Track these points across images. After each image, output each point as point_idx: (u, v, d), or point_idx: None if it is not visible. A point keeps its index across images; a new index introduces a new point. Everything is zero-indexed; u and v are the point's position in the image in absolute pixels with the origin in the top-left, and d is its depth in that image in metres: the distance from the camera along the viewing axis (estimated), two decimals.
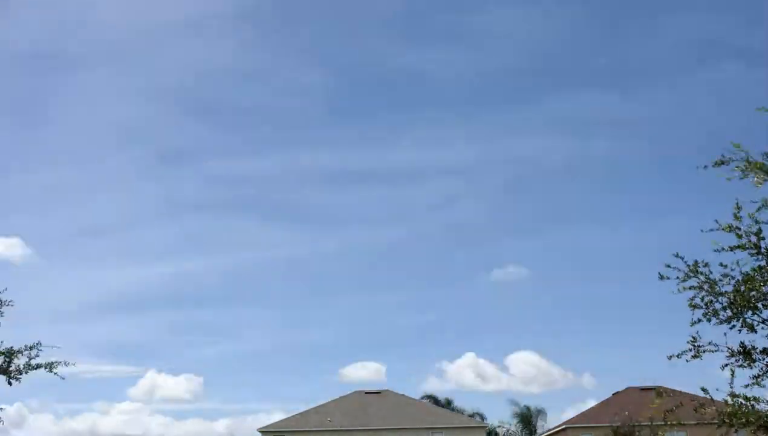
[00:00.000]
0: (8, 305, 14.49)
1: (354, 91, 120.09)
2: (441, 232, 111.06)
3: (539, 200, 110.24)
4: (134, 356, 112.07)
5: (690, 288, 11.76)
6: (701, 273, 11.70)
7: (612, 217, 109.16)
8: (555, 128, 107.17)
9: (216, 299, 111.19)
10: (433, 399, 68.96)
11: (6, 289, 14.41)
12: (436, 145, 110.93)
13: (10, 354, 14.37)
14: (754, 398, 11.31)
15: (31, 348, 14.51)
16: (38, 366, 14.49)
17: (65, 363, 14.70)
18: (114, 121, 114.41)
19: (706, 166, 11.37)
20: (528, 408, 66.78)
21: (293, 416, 56.00)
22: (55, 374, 14.60)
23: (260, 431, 54.09)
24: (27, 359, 14.45)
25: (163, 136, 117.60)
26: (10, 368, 14.32)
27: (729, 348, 11.74)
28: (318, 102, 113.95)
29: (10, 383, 14.45)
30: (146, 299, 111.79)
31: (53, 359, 14.63)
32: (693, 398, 12.46)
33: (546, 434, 59.70)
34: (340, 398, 58.87)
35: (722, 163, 11.20)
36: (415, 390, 70.75)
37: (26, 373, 14.48)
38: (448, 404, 68.00)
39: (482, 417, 65.46)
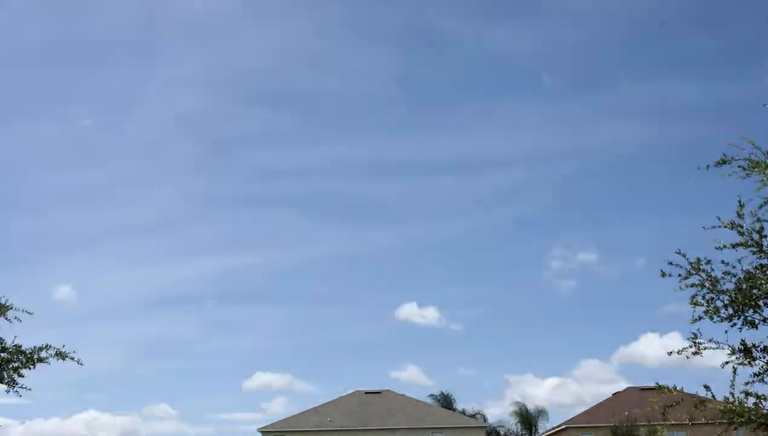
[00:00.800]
0: (18, 312, 14.50)
1: (422, 75, 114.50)
2: (507, 224, 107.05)
3: (611, 189, 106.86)
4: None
5: (691, 286, 11.80)
6: (703, 271, 11.74)
7: (690, 205, 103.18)
8: (633, 113, 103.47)
9: (261, 297, 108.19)
10: (439, 398, 68.91)
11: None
12: (507, 133, 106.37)
13: (19, 354, 14.40)
14: (758, 396, 11.35)
15: (40, 350, 14.56)
16: (43, 358, 14.53)
17: (73, 357, 14.77)
18: (173, 113, 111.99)
19: (708, 167, 11.42)
20: (527, 408, 66.77)
21: (293, 416, 56.04)
22: (73, 359, 14.70)
23: (260, 431, 54.11)
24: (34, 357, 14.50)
25: (219, 125, 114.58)
26: (15, 365, 14.37)
27: (729, 346, 11.77)
28: (382, 87, 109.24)
29: (13, 381, 14.46)
30: (190, 296, 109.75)
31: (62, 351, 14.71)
32: (693, 396, 12.49)
33: (546, 434, 59.74)
34: (340, 398, 58.91)
35: (724, 162, 11.24)
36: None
37: (33, 367, 14.53)
38: (447, 403, 67.91)
39: (484, 417, 65.48)
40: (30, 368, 14.59)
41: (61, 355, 14.66)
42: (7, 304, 14.39)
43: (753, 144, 11.08)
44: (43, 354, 14.57)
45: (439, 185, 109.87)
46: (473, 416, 64.86)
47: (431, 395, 68.61)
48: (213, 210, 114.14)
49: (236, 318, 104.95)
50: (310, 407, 57.23)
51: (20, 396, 14.47)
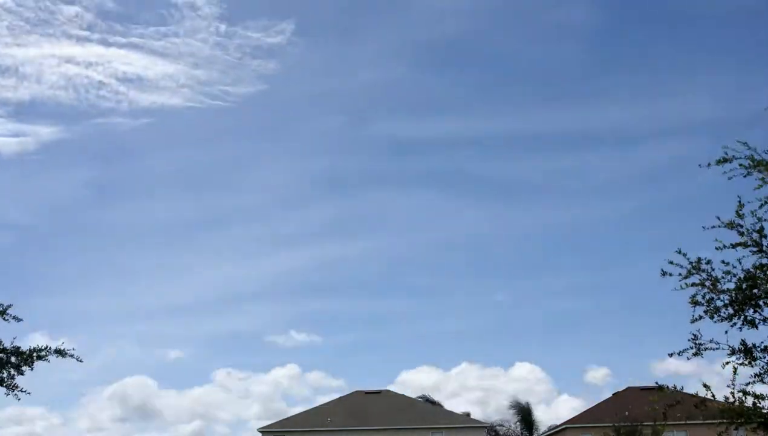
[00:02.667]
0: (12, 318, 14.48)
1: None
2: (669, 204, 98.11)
3: None
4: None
5: (691, 285, 11.79)
6: (703, 270, 11.72)
7: None
8: None
9: (373, 288, 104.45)
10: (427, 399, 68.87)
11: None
12: (674, 100, 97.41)
13: (17, 354, 14.40)
14: (756, 395, 11.33)
15: (39, 350, 14.57)
16: (44, 355, 14.53)
17: (72, 354, 14.79)
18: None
19: (709, 164, 11.42)
20: (528, 406, 66.65)
21: (293, 416, 56.03)
22: (72, 356, 14.73)
23: (260, 431, 54.08)
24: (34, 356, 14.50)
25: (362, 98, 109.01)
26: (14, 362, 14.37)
27: (730, 346, 11.75)
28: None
29: (13, 383, 14.43)
30: (293, 287, 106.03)
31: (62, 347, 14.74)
32: (693, 396, 12.48)
33: (546, 434, 59.71)
34: (340, 398, 58.91)
35: (725, 160, 11.24)
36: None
37: (32, 367, 14.53)
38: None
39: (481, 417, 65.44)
40: (30, 367, 14.60)
41: (60, 353, 14.68)
42: (6, 305, 14.44)
43: (747, 146, 11.08)
44: (42, 353, 14.59)
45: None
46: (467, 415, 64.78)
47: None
48: (337, 190, 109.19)
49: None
50: (310, 407, 57.29)
51: (19, 399, 14.45)
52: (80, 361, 14.88)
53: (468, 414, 64.24)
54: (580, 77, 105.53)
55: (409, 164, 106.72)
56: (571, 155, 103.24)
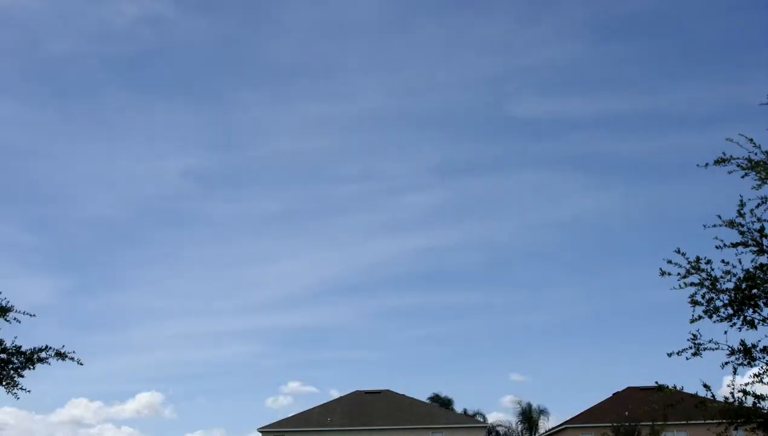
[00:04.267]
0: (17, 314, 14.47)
1: None
2: None
3: None
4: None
5: (691, 285, 11.77)
6: (702, 270, 11.71)
7: None
8: None
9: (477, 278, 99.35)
10: (435, 399, 68.92)
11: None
12: None
13: (18, 354, 14.39)
14: (756, 396, 11.33)
15: (40, 351, 14.55)
16: (45, 357, 14.51)
17: (72, 357, 14.77)
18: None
19: (707, 165, 11.41)
20: (530, 406, 66.72)
21: (293, 415, 56.02)
22: (73, 359, 14.71)
23: (260, 431, 54.06)
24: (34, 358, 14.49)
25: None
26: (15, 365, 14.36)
27: (729, 347, 11.75)
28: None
29: (13, 383, 14.42)
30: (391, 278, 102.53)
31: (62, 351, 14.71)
32: (693, 395, 12.48)
33: (546, 433, 59.70)
34: (340, 397, 58.89)
35: (723, 161, 11.23)
36: None
37: (32, 368, 14.52)
38: (447, 405, 67.94)
39: (483, 417, 65.46)
40: (30, 369, 14.58)
41: (60, 355, 14.65)
42: (8, 306, 14.40)
43: (752, 142, 11.07)
44: (42, 355, 14.57)
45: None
46: (473, 415, 64.85)
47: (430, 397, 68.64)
48: (452, 175, 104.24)
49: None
50: (310, 407, 57.27)
51: (18, 399, 14.43)
52: (81, 364, 14.84)
53: (473, 415, 64.34)
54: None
55: (534, 146, 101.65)
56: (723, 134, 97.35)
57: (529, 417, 65.92)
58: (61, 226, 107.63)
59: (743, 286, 11.38)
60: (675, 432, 45.52)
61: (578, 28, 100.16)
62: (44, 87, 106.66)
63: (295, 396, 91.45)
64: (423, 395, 67.60)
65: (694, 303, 11.74)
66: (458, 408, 68.91)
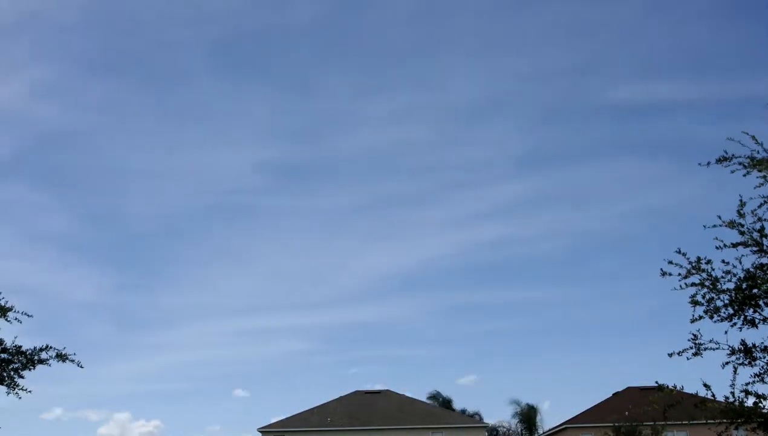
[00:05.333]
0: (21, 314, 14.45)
1: None
2: None
3: None
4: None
5: (691, 285, 11.75)
6: (703, 270, 11.69)
7: None
8: None
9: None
10: (433, 399, 68.89)
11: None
12: None
13: (19, 355, 14.37)
14: (757, 395, 11.31)
15: (40, 351, 14.53)
16: (45, 359, 14.49)
17: (73, 359, 14.74)
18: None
19: (708, 163, 11.38)
20: (528, 407, 66.69)
21: (293, 415, 55.95)
22: (73, 361, 14.70)
23: (260, 431, 54.02)
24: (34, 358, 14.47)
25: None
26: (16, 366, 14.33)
27: (730, 346, 11.72)
28: None
29: (14, 383, 14.38)
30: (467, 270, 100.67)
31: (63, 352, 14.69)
32: (693, 395, 12.45)
33: (546, 433, 59.67)
34: (340, 397, 58.85)
35: (724, 159, 11.20)
36: None
37: (33, 368, 14.50)
38: (447, 405, 67.90)
39: (480, 417, 65.43)
40: (30, 369, 14.56)
41: (61, 357, 14.62)
42: (8, 305, 14.37)
43: (755, 139, 11.04)
44: (43, 355, 14.54)
45: None
46: (472, 415, 64.82)
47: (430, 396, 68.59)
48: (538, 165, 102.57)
49: None
50: (310, 407, 57.21)
51: (20, 398, 14.39)
52: (81, 366, 14.78)
53: (473, 415, 64.31)
54: None
55: (626, 133, 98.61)
56: None
57: (528, 417, 65.89)
58: (123, 219, 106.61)
59: (744, 286, 11.36)
60: (675, 432, 45.50)
61: (672, 10, 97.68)
62: (128, 71, 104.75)
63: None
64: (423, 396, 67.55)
65: (695, 303, 11.73)
66: (457, 408, 68.89)
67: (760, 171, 10.90)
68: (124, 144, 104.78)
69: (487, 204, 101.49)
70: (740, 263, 11.41)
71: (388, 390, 60.10)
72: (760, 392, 11.40)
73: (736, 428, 11.99)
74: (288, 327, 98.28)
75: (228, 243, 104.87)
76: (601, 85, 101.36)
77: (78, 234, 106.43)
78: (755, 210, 11.13)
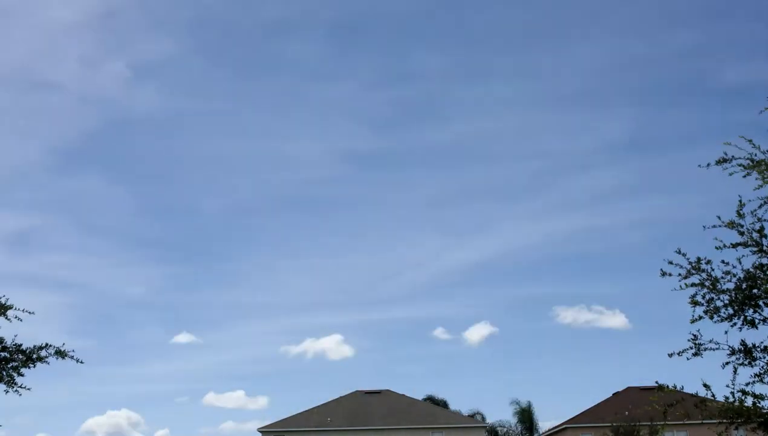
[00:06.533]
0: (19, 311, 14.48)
1: None
2: None
3: None
4: None
5: (691, 285, 11.78)
6: (703, 270, 11.71)
7: None
8: None
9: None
10: (432, 399, 68.89)
11: None
12: None
13: (18, 353, 14.39)
14: (756, 395, 11.33)
15: (39, 349, 14.55)
16: (42, 356, 14.51)
17: (72, 356, 14.77)
18: None
19: (708, 165, 11.42)
20: (529, 407, 66.69)
21: (293, 415, 55.98)
22: (72, 358, 14.72)
23: (260, 431, 54.05)
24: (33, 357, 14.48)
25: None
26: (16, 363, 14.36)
27: (730, 347, 11.74)
28: None
29: (13, 381, 14.41)
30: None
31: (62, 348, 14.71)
32: (693, 395, 12.47)
33: (546, 434, 59.68)
34: (340, 397, 58.89)
35: (724, 161, 11.23)
36: None
37: (32, 366, 14.52)
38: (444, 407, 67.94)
39: (482, 417, 65.42)
40: (29, 367, 14.58)
41: (60, 354, 14.64)
42: (8, 303, 14.39)
43: (752, 143, 11.08)
44: (42, 353, 14.56)
45: None
46: (472, 415, 64.84)
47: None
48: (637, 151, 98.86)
49: None
50: (310, 407, 57.24)
51: (20, 396, 14.42)
52: (81, 362, 14.83)
53: (472, 415, 64.29)
54: None
55: (730, 116, 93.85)
56: None
57: (528, 417, 65.91)
58: (188, 211, 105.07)
59: (744, 286, 11.39)
60: (675, 432, 45.53)
61: None
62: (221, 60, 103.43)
63: None
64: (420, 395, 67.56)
65: (695, 303, 11.75)
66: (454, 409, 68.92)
67: (759, 172, 10.93)
68: (204, 131, 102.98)
69: (580, 193, 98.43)
70: (740, 263, 11.44)
71: (388, 390, 60.14)
72: (759, 393, 11.43)
73: (736, 428, 12.02)
74: (340, 325, 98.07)
75: (295, 237, 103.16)
76: (712, 67, 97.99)
77: (139, 226, 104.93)
78: (755, 211, 11.17)
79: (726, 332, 11.69)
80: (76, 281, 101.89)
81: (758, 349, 11.61)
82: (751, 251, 11.32)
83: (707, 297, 11.72)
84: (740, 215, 11.30)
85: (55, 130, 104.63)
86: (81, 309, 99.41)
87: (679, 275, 11.80)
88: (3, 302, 14.36)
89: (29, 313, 14.56)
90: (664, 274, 11.89)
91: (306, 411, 56.46)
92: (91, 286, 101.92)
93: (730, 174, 11.20)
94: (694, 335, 11.85)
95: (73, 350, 14.84)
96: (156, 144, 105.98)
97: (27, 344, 14.37)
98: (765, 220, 11.21)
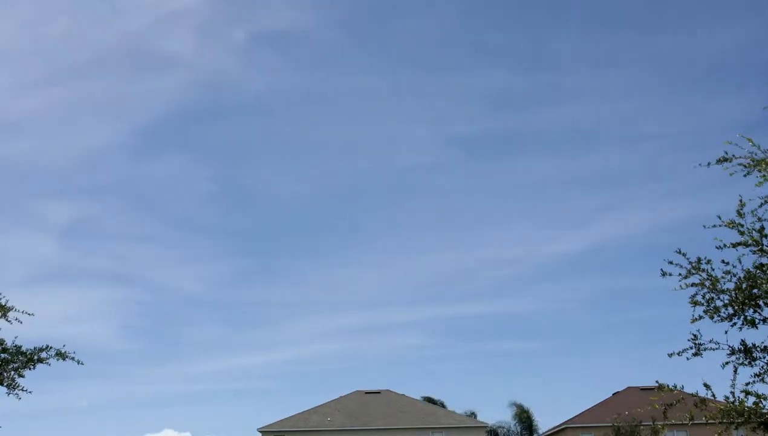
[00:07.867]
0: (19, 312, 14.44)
1: None
2: None
3: None
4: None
5: (691, 285, 11.77)
6: (703, 270, 11.71)
7: None
8: None
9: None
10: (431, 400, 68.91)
11: None
12: None
13: (19, 354, 14.37)
14: (758, 395, 11.32)
15: (40, 350, 14.55)
16: (45, 358, 14.49)
17: (73, 357, 14.75)
18: None
19: (709, 164, 11.41)
20: (521, 409, 66.75)
21: (293, 415, 55.95)
22: (73, 359, 14.70)
23: (260, 431, 54.03)
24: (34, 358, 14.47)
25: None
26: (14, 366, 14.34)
27: (729, 346, 11.74)
28: None
29: (14, 383, 14.39)
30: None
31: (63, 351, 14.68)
32: (693, 395, 12.46)
33: (546, 434, 59.67)
34: (340, 397, 58.87)
35: (725, 160, 11.22)
36: None
37: (33, 368, 14.51)
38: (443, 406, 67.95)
39: (475, 416, 65.43)
40: (30, 369, 14.57)
41: (61, 355, 14.63)
42: (8, 305, 14.38)
43: (752, 142, 11.07)
44: (43, 355, 14.56)
45: None
46: (471, 415, 64.84)
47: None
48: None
49: None
50: (310, 407, 57.21)
51: (20, 399, 14.39)
52: (81, 363, 14.80)
53: (471, 415, 64.31)
54: None
55: None
56: None
57: (527, 417, 65.93)
58: (264, 201, 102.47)
59: (744, 286, 11.38)
60: (675, 432, 45.52)
61: None
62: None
63: None
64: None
65: (695, 303, 11.75)
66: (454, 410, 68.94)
67: (760, 171, 10.92)
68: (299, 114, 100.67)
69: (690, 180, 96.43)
70: (740, 263, 11.44)
71: (388, 390, 60.13)
72: (760, 392, 11.42)
73: (736, 428, 12.00)
74: (406, 323, 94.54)
75: (378, 227, 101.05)
76: None
77: (212, 217, 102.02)
78: (755, 210, 11.16)
79: (726, 332, 11.70)
80: (132, 274, 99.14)
81: (758, 349, 11.60)
82: (751, 251, 11.32)
83: (707, 297, 11.72)
84: (740, 215, 11.30)
85: (146, 108, 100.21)
86: (141, 306, 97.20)
87: (679, 274, 11.81)
88: (3, 304, 14.37)
89: (29, 314, 14.57)
90: (664, 274, 11.89)
91: (306, 411, 56.44)
92: (148, 281, 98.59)
93: (731, 174, 11.20)
94: (694, 335, 11.85)
95: (74, 352, 14.84)
96: (251, 124, 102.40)
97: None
98: (765, 219, 11.20)
